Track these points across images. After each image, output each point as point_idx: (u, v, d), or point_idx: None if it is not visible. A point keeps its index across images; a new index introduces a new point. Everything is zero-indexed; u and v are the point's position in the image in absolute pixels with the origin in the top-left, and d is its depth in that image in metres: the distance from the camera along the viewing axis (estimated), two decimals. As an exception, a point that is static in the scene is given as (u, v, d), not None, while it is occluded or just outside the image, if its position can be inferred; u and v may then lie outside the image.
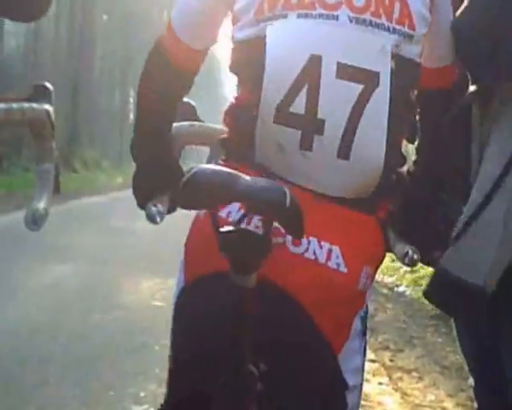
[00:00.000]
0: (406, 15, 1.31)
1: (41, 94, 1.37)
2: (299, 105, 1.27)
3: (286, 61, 1.29)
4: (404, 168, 1.48)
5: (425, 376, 4.02)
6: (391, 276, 7.02)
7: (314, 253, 1.27)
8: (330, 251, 1.27)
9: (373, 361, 4.19)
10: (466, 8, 1.47)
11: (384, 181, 1.32)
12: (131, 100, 33.95)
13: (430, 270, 5.60)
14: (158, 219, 1.37)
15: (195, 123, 1.69)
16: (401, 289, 6.47)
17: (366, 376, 3.85)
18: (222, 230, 1.20)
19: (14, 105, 1.30)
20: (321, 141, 1.28)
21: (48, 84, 1.39)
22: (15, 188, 11.22)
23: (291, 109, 1.28)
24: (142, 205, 1.43)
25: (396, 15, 1.30)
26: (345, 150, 1.28)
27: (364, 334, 1.38)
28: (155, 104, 1.45)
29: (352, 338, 1.32)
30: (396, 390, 3.74)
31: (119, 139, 27.62)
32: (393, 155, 1.33)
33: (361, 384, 1.38)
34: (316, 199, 1.30)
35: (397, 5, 1.31)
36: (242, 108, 1.36)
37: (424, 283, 6.41)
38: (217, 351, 1.24)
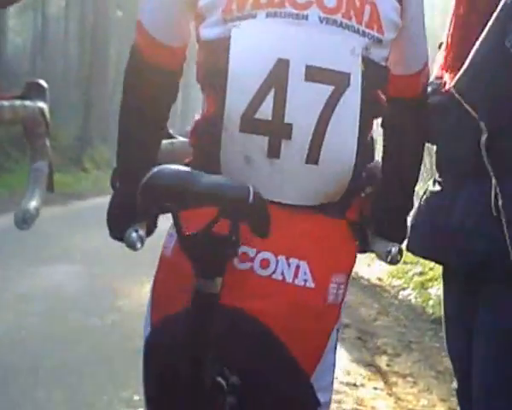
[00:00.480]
0: (375, 20, 1.31)
1: (35, 91, 1.34)
2: (265, 111, 1.24)
3: (251, 66, 1.25)
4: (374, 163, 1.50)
5: (420, 380, 4.00)
6: (399, 278, 7.00)
7: (282, 273, 1.26)
8: (298, 268, 1.26)
9: (369, 366, 4.18)
10: (465, 70, 1.56)
11: (354, 181, 1.31)
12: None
13: (438, 272, 5.51)
14: (139, 246, 1.29)
15: (175, 140, 1.62)
16: (406, 292, 6.45)
17: (361, 380, 3.88)
18: (186, 233, 1.17)
19: (5, 103, 1.27)
20: (289, 146, 1.25)
21: (42, 82, 1.37)
22: (18, 187, 11.21)
23: (257, 116, 1.24)
24: (119, 234, 1.34)
25: (366, 19, 1.30)
26: (314, 154, 1.25)
27: (336, 347, 1.37)
28: (141, 118, 1.37)
29: (326, 355, 1.32)
30: (390, 395, 3.73)
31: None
32: (363, 153, 1.32)
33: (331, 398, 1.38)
34: (284, 213, 1.28)
35: (367, 8, 1.30)
36: (206, 123, 1.32)
37: (431, 285, 6.40)
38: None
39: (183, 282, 1.25)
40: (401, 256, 1.40)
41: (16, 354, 3.71)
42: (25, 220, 1.28)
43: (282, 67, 1.24)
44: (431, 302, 5.86)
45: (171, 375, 1.24)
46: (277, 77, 1.24)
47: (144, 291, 5.41)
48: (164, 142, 1.57)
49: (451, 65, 1.65)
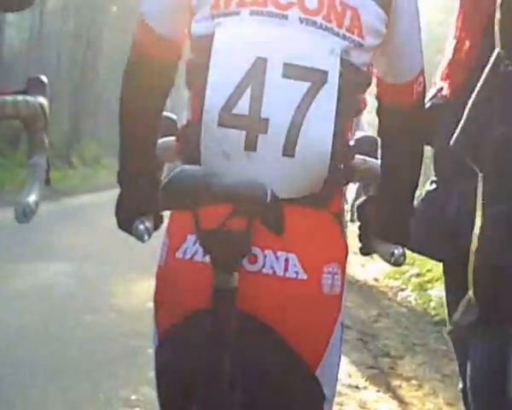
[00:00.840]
0: (356, 25, 1.33)
1: (36, 87, 1.36)
2: (242, 106, 1.27)
3: (230, 64, 1.29)
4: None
5: (424, 384, 3.95)
6: (396, 279, 6.96)
7: (271, 267, 1.26)
8: (287, 261, 1.26)
9: (372, 368, 4.12)
10: (461, 128, 1.65)
11: (332, 175, 1.31)
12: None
13: (436, 274, 5.50)
14: (146, 237, 1.36)
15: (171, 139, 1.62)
16: (405, 293, 6.41)
17: (364, 383, 3.80)
18: (203, 229, 1.20)
19: (8, 98, 1.29)
20: (265, 140, 1.27)
21: (43, 77, 1.38)
22: (8, 184, 11.12)
23: (234, 111, 1.27)
24: (127, 225, 1.40)
25: (347, 23, 1.32)
26: (290, 147, 1.27)
27: (341, 340, 1.37)
28: (140, 110, 1.42)
29: (332, 348, 1.31)
30: (394, 398, 3.67)
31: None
32: (340, 148, 1.32)
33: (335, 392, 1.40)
34: None
35: (348, 13, 1.32)
36: (190, 128, 1.35)
37: (430, 286, 6.38)
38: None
39: (180, 288, 1.29)
40: (404, 258, 1.42)
41: (12, 353, 3.63)
42: (25, 214, 1.30)
43: (260, 65, 1.28)
44: (432, 304, 5.82)
45: (185, 387, 1.26)
46: (255, 74, 1.27)
47: (139, 289, 5.35)
48: (166, 139, 1.57)
49: (450, 74, 1.83)
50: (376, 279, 7.19)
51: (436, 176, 1.84)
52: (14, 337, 3.88)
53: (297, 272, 1.26)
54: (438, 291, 6.11)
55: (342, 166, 1.36)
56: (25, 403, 3.04)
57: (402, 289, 6.55)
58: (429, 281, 6.60)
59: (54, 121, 18.00)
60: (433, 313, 5.35)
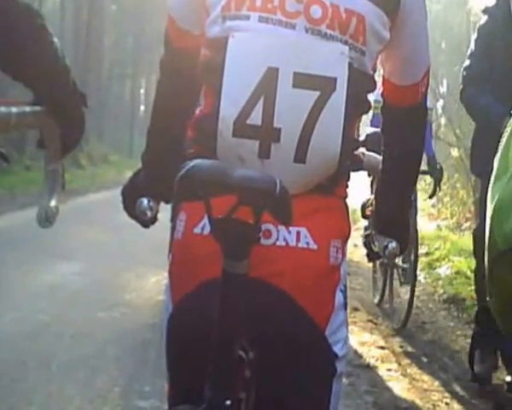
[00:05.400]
0: (361, 32, 1.36)
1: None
2: (255, 117, 1.34)
3: (243, 75, 1.34)
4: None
5: (434, 361, 3.98)
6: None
7: (284, 239, 1.35)
8: (298, 233, 1.35)
9: (382, 348, 4.16)
10: None
11: (339, 169, 1.39)
12: (142, 91, 33.83)
13: (445, 253, 5.55)
14: (149, 213, 1.47)
15: None
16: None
17: (374, 362, 3.85)
18: (215, 217, 1.26)
19: (27, 109, 1.33)
20: (278, 148, 1.34)
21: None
22: (18, 188, 11.18)
23: (248, 121, 1.34)
24: (131, 204, 1.51)
25: (351, 31, 1.36)
26: (301, 154, 1.34)
27: (346, 307, 1.45)
28: (170, 99, 1.52)
29: (337, 312, 1.39)
30: (405, 376, 3.71)
31: (129, 132, 27.37)
32: (348, 146, 1.39)
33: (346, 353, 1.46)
34: None
35: (353, 21, 1.36)
36: (205, 120, 1.41)
37: (438, 265, 6.37)
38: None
39: (196, 260, 1.36)
40: (400, 252, 1.52)
41: (28, 350, 3.69)
42: (47, 218, 1.37)
43: (271, 75, 1.33)
44: (440, 282, 5.83)
45: (197, 351, 1.32)
46: (267, 84, 1.33)
47: (149, 284, 5.41)
48: None
49: None
50: (386, 260, 7.19)
51: None
52: (28, 335, 3.94)
53: (308, 243, 1.35)
54: (446, 269, 6.14)
55: (349, 161, 1.43)
56: (42, 400, 3.10)
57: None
58: (437, 259, 6.62)
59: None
60: (441, 291, 5.38)
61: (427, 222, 9.96)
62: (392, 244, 1.51)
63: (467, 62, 3.31)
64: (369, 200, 1.66)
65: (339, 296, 1.40)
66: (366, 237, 1.64)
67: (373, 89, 1.45)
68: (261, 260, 1.31)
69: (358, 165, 1.55)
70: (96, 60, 22.45)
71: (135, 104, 30.20)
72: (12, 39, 1.25)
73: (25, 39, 1.27)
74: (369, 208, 1.63)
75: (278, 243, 1.34)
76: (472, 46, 3.32)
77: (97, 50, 22.81)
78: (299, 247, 1.35)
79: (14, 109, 1.27)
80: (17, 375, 3.34)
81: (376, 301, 5.07)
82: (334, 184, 1.41)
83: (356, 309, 4.88)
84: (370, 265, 5.23)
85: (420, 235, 5.17)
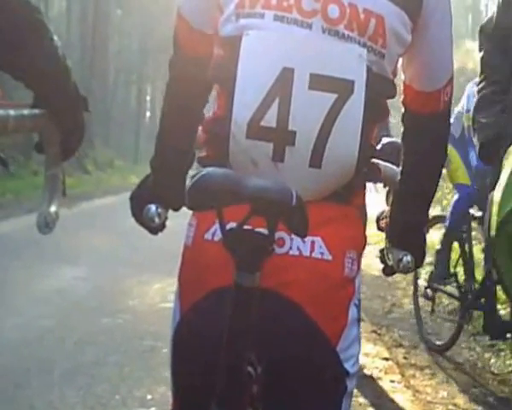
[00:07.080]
0: (380, 34, 1.31)
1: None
2: (270, 118, 1.28)
3: (258, 75, 1.29)
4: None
5: (438, 372, 3.95)
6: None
7: (298, 248, 1.29)
8: (313, 243, 1.30)
9: (386, 359, 4.13)
10: None
11: (356, 177, 1.34)
12: (148, 98, 33.88)
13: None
14: (157, 220, 1.43)
15: None
16: (420, 282, 6.39)
17: (378, 374, 3.83)
18: (228, 228, 1.22)
19: (26, 112, 1.28)
20: (292, 152, 1.29)
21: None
22: (24, 192, 11.19)
23: (262, 123, 1.29)
24: (139, 210, 1.46)
25: (370, 32, 1.30)
26: (316, 159, 1.29)
27: (359, 322, 1.39)
28: (179, 102, 1.47)
29: (350, 327, 1.34)
30: (408, 388, 3.68)
31: (134, 138, 27.37)
32: (365, 152, 1.34)
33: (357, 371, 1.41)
34: None
35: (372, 21, 1.30)
36: (217, 122, 1.37)
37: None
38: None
39: (206, 268, 1.32)
40: (414, 265, 1.45)
41: (31, 357, 3.68)
42: (47, 224, 1.34)
43: (287, 75, 1.28)
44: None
45: (203, 366, 1.29)
46: (282, 85, 1.28)
47: (152, 291, 5.39)
48: None
49: None
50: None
51: None
52: (31, 341, 3.93)
53: (322, 253, 1.30)
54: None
55: (366, 169, 1.38)
56: (43, 405, 3.09)
57: (417, 278, 6.52)
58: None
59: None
60: (446, 302, 5.33)
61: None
62: (407, 258, 1.44)
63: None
64: (383, 212, 1.60)
65: (352, 311, 1.34)
66: (381, 250, 1.57)
67: (393, 95, 1.40)
68: (272, 270, 1.26)
69: (376, 174, 1.48)
70: (101, 65, 22.52)
71: (141, 110, 30.29)
72: (9, 33, 1.21)
73: (22, 33, 1.23)
74: (384, 220, 1.56)
75: (291, 253, 1.29)
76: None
77: (103, 56, 22.89)
78: (313, 257, 1.29)
79: (12, 112, 1.23)
80: (19, 381, 3.33)
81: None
82: (351, 192, 1.36)
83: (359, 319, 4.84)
84: (375, 273, 5.19)
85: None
